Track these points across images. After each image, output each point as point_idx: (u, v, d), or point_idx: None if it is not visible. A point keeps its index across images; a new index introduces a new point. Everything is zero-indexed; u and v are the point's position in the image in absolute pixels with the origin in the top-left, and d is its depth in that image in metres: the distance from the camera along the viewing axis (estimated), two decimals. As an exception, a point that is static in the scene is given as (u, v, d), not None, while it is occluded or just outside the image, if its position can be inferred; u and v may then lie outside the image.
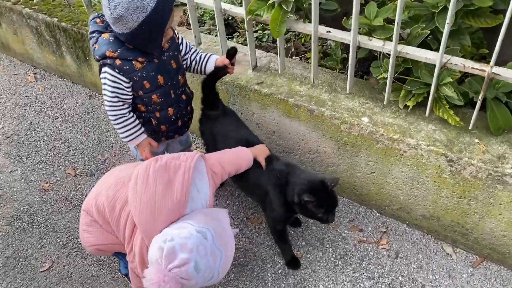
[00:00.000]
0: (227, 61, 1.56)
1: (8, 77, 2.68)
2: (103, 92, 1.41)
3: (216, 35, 2.20)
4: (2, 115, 2.43)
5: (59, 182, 2.05)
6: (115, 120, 1.44)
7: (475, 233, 1.59)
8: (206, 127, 1.71)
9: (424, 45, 1.51)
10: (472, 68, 1.36)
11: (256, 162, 1.53)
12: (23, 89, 2.59)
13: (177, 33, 1.54)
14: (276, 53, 1.84)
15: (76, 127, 2.31)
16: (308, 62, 1.98)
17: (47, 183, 2.05)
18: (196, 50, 1.61)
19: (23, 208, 1.95)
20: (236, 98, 1.87)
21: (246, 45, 1.83)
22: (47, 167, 2.12)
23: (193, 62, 1.59)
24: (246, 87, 1.80)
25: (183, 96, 1.57)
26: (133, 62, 1.37)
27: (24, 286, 1.67)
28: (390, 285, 1.60)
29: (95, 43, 1.38)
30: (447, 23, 1.31)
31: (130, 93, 1.42)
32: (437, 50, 1.45)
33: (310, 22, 1.55)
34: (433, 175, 1.53)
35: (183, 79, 1.56)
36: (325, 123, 1.67)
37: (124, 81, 1.38)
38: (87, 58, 2.33)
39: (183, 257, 1.04)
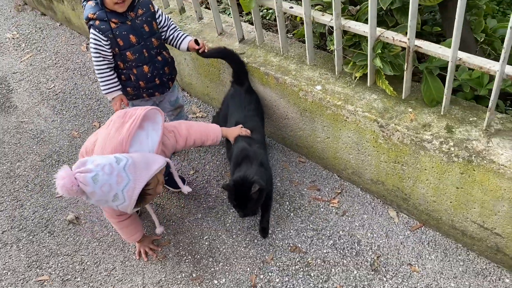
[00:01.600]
0: (196, 47, 1.88)
1: (66, 46, 3.21)
2: (90, 49, 1.75)
3: (229, 14, 2.48)
4: (56, 76, 2.95)
5: (85, 131, 2.49)
6: (98, 73, 1.77)
7: (413, 199, 1.72)
8: (226, 97, 2.03)
9: (381, 22, 1.66)
10: (397, 40, 1.50)
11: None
12: (75, 57, 3.09)
13: (154, 5, 1.82)
14: (275, 31, 2.06)
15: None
16: (299, 40, 2.17)
17: (76, 132, 2.50)
18: (175, 27, 1.90)
19: (55, 149, 2.41)
20: (223, 66, 2.14)
21: (252, 23, 2.05)
22: (80, 119, 2.58)
23: (171, 37, 1.89)
24: (229, 56, 2.06)
25: (159, 58, 1.85)
26: (109, 23, 1.68)
27: (42, 205, 2.13)
28: (330, 237, 1.79)
29: (83, 8, 1.74)
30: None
31: (109, 50, 1.73)
32: (394, 26, 1.60)
33: (274, -2, 1.77)
34: (371, 140, 1.69)
35: (158, 42, 1.82)
36: (287, 90, 1.88)
37: (102, 39, 1.70)
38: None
39: (88, 167, 1.33)
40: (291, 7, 1.80)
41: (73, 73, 2.94)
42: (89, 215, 2.04)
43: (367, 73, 1.70)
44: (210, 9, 2.14)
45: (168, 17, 1.89)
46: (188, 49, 1.91)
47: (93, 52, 1.73)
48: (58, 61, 3.08)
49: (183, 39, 1.90)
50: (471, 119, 1.51)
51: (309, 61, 1.87)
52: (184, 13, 2.38)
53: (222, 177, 2.11)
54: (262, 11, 2.56)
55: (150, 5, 1.79)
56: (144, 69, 1.82)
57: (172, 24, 1.91)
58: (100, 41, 1.70)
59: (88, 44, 3.17)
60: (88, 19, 1.69)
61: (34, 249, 1.94)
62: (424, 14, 1.84)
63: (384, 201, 1.86)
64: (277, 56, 1.98)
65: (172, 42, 1.91)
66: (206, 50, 1.91)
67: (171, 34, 1.89)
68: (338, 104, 1.71)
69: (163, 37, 1.88)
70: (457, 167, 1.46)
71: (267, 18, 2.52)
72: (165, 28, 1.88)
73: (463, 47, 1.43)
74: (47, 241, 1.96)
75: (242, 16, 2.59)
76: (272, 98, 2.00)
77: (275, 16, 1.99)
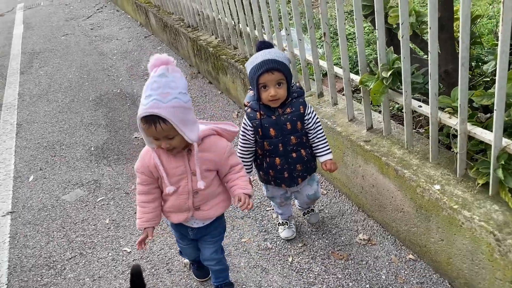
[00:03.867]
0: (325, 169, 1.96)
1: (221, 112, 3.68)
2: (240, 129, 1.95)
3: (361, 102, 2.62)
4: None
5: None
6: (239, 151, 1.96)
7: (530, 330, 1.52)
8: None
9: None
10: (524, 154, 1.43)
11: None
12: (226, 120, 3.52)
13: (309, 107, 1.90)
14: (400, 123, 2.13)
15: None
16: (426, 136, 2.18)
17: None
18: (321, 136, 1.95)
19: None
20: (348, 150, 2.25)
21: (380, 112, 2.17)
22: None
23: (312, 143, 1.97)
24: (354, 142, 2.16)
25: (293, 154, 1.93)
26: (258, 113, 1.88)
27: (169, 245, 2.43)
28: None
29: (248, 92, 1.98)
30: None
31: (252, 136, 1.91)
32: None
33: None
34: (486, 253, 1.58)
35: (296, 140, 1.91)
36: (405, 184, 1.89)
37: (248, 124, 1.91)
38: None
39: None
40: (420, 106, 1.85)
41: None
42: (203, 263, 2.27)
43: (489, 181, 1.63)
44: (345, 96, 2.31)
45: (318, 123, 1.94)
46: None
47: (241, 133, 1.93)
48: (212, 121, 3.55)
49: (320, 154, 1.97)
50: None
51: (431, 159, 1.87)
52: (322, 97, 2.59)
53: (327, 256, 2.15)
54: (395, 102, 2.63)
55: (301, 106, 1.88)
56: (276, 160, 1.95)
57: (319, 131, 1.95)
58: (247, 126, 1.91)
59: (238, 112, 3.60)
60: (245, 105, 1.95)
61: (154, 281, 2.22)
62: None
63: (498, 324, 1.67)
64: (401, 149, 2.02)
65: (312, 147, 1.98)
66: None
67: (313, 141, 1.96)
68: (454, 207, 1.66)
69: (309, 136, 1.96)
70: None
71: (401, 110, 2.57)
72: (311, 132, 1.94)
73: None
74: (165, 277, 2.23)
75: (379, 106, 2.70)
76: (389, 189, 2.02)
77: (406, 111, 2.05)
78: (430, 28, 1.58)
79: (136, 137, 3.55)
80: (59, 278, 2.32)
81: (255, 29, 3.04)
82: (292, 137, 1.90)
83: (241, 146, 1.96)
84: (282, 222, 2.31)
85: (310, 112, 1.91)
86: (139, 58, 5.33)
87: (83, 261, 2.40)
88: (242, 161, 1.93)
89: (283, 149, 1.92)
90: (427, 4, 1.58)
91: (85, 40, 6.47)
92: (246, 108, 1.92)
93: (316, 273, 2.08)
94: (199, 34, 4.22)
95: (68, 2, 9.46)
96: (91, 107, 4.27)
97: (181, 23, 4.68)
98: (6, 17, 9.22)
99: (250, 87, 1.92)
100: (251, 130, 1.90)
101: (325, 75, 2.73)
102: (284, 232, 2.29)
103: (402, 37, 1.73)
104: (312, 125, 1.92)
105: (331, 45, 2.27)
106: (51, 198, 2.98)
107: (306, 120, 1.90)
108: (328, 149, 1.98)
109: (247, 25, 3.14)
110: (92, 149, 3.51)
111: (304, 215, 2.38)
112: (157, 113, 1.44)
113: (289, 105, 1.87)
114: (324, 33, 2.21)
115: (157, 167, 1.63)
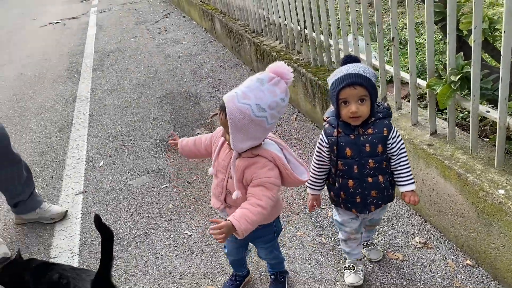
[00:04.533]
0: (406, 200, 1.79)
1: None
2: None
3: (425, 107, 2.63)
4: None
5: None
6: (312, 167, 1.87)
7: None
8: None
9: None
10: None
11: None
12: (284, 124, 3.63)
13: (394, 130, 1.72)
14: (464, 130, 2.14)
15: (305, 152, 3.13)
16: (491, 144, 2.17)
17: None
18: (404, 163, 1.76)
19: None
20: (410, 154, 2.28)
21: (446, 120, 2.15)
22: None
23: (394, 170, 1.80)
24: (417, 145, 2.19)
25: (369, 179, 1.76)
26: (334, 129, 1.74)
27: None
28: None
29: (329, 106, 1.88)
30: None
31: (327, 153, 1.80)
32: None
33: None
34: (551, 259, 1.56)
35: (374, 165, 1.74)
36: (468, 187, 1.90)
37: (324, 140, 1.79)
38: (328, 108, 3.14)
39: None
40: (488, 111, 1.87)
41: (280, 136, 3.46)
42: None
43: (560, 188, 1.62)
44: (409, 102, 2.35)
45: (402, 149, 1.75)
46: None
47: (316, 149, 1.85)
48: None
49: (401, 183, 1.79)
50: None
51: (496, 164, 1.87)
52: (385, 102, 2.64)
53: (382, 255, 2.18)
54: (461, 112, 2.63)
55: (385, 129, 1.70)
56: (348, 182, 1.80)
57: (403, 158, 1.77)
58: (322, 142, 1.79)
59: (297, 116, 3.70)
60: (323, 120, 1.82)
61: (211, 263, 2.34)
62: None
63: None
64: (465, 154, 2.03)
65: (392, 172, 1.81)
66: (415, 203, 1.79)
67: (395, 168, 1.79)
68: (519, 211, 1.66)
69: (391, 162, 1.79)
70: None
71: (465, 119, 2.57)
72: (393, 158, 1.77)
73: None
74: (223, 260, 2.34)
75: (442, 114, 2.71)
76: (450, 193, 2.03)
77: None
78: (504, 32, 1.61)
79: (198, 133, 3.73)
80: (125, 253, 2.49)
81: (321, 34, 3.14)
82: (370, 160, 1.74)
83: (315, 163, 1.87)
84: (349, 266, 2.07)
85: (395, 136, 1.72)
86: (203, 61, 5.57)
87: (147, 240, 2.57)
88: (314, 177, 1.88)
89: (358, 172, 1.76)
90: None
91: (153, 42, 6.83)
92: (324, 123, 1.80)
93: (370, 269, 2.12)
94: (263, 39, 4.38)
95: (138, 7, 10.02)
96: (157, 103, 4.52)
97: (246, 29, 4.86)
98: (81, 19, 9.89)
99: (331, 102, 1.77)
100: (326, 147, 1.78)
101: (389, 81, 2.78)
102: (350, 277, 2.05)
103: (474, 42, 1.77)
104: (396, 150, 1.74)
105: (398, 51, 2.32)
106: (119, 182, 3.20)
107: (389, 144, 1.72)
108: (412, 178, 1.78)
109: (313, 30, 3.25)
110: (158, 141, 3.72)
111: (363, 248, 2.20)
112: (226, 104, 1.49)
113: (371, 126, 1.70)
114: (393, 38, 2.27)
115: (215, 144, 1.75)
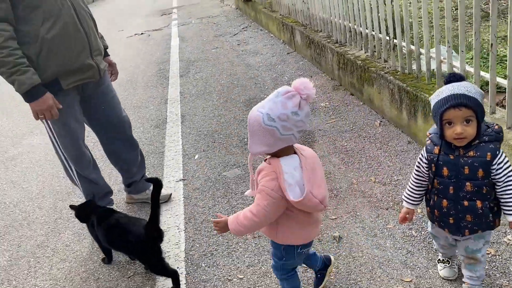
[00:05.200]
0: None
1: (363, 120, 3.95)
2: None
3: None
4: (349, 139, 3.69)
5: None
6: (410, 181, 1.90)
7: None
8: None
9: None
10: None
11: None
12: (369, 129, 3.79)
13: (501, 155, 1.65)
14: None
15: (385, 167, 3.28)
16: None
17: (356, 179, 3.09)
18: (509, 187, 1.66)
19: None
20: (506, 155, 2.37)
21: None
22: (361, 172, 3.18)
23: (500, 197, 1.70)
24: (513, 146, 2.29)
25: (465, 202, 1.71)
26: (435, 147, 1.75)
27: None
28: None
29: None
30: None
31: (426, 169, 1.79)
32: None
33: None
34: None
35: (472, 189, 1.68)
36: None
37: (423, 156, 1.80)
38: (415, 114, 3.28)
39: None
40: None
41: (364, 140, 3.62)
42: (351, 237, 2.54)
43: None
44: (505, 108, 2.45)
45: (510, 176, 1.66)
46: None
47: (416, 164, 1.85)
48: (354, 128, 3.85)
49: (509, 212, 1.70)
50: None
51: None
52: (478, 106, 2.74)
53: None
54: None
55: (489, 153, 1.63)
56: (442, 202, 1.78)
57: (511, 186, 1.66)
58: (422, 158, 1.80)
59: (381, 121, 3.84)
60: (427, 136, 1.82)
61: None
62: None
63: None
64: None
65: (496, 190, 1.72)
66: None
67: (501, 195, 1.70)
68: None
69: (496, 189, 1.71)
70: None
71: None
72: (499, 184, 1.68)
73: None
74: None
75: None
76: None
77: None
78: None
79: (284, 134, 3.98)
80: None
81: (412, 43, 3.29)
82: (467, 183, 1.68)
83: (413, 177, 1.88)
84: (443, 260, 2.09)
85: (501, 162, 1.64)
86: (282, 71, 5.86)
87: (245, 223, 2.83)
88: (410, 192, 1.91)
89: (453, 193, 1.72)
90: None
91: (233, 53, 7.25)
92: (427, 139, 1.80)
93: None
94: (346, 49, 4.59)
95: (216, 21, 10.60)
96: (241, 107, 4.84)
97: (328, 40, 5.10)
98: (164, 31, 10.62)
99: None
100: (425, 163, 1.78)
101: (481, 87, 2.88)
102: (443, 271, 2.08)
103: None
104: (502, 177, 1.65)
105: (496, 56, 2.44)
106: (214, 173, 3.51)
107: (493, 169, 1.64)
108: None
109: (403, 39, 3.41)
110: (245, 140, 4.01)
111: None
112: (249, 113, 1.64)
113: (474, 148, 1.64)
114: (491, 44, 2.39)
115: None
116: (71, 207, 2.57)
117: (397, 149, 3.35)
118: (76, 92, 2.62)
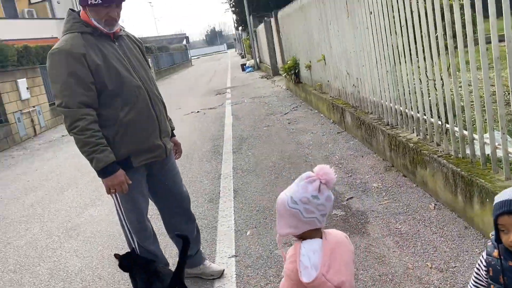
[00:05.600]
0: None
1: (417, 202, 3.92)
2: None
3: None
4: (404, 221, 3.65)
5: (419, 266, 2.98)
6: (470, 281, 1.79)
7: None
8: None
9: None
10: None
11: None
12: (423, 211, 3.74)
13: None
14: None
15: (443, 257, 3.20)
16: None
17: (411, 264, 3.03)
18: None
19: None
20: None
21: None
22: (416, 256, 3.12)
23: None
24: None
25: None
26: (495, 250, 1.61)
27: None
28: None
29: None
30: None
31: (485, 271, 1.67)
32: None
33: None
34: None
35: None
36: None
37: (484, 257, 1.68)
38: (471, 199, 3.23)
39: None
40: None
41: (419, 223, 3.58)
42: None
43: None
44: None
45: None
46: None
47: (476, 266, 1.75)
48: (408, 210, 3.82)
49: None
50: None
51: None
52: None
53: None
54: None
55: None
56: None
57: None
58: (482, 260, 1.68)
59: (435, 204, 3.79)
60: (491, 235, 1.67)
61: None
62: None
63: None
64: None
65: None
66: None
67: None
68: None
69: None
70: None
71: None
72: None
73: None
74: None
75: None
76: None
77: None
78: None
79: (334, 213, 4.00)
80: (278, 313, 2.75)
81: (464, 129, 3.34)
82: None
83: (472, 279, 1.78)
84: None
85: None
86: (333, 149, 5.99)
87: (297, 304, 2.81)
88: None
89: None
90: None
91: (284, 131, 7.52)
92: (489, 240, 1.69)
93: None
94: (397, 131, 4.68)
95: (267, 101, 11.13)
96: (293, 185, 4.94)
97: (379, 122, 5.22)
98: (218, 109, 11.25)
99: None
100: (484, 266, 1.68)
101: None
102: None
103: None
104: None
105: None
106: (265, 250, 3.55)
107: None
108: None
109: (455, 124, 3.47)
110: (297, 218, 4.06)
111: None
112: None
113: None
114: (548, 133, 2.41)
115: None
116: (116, 256, 2.77)
117: (453, 234, 3.28)
118: (144, 169, 2.85)
